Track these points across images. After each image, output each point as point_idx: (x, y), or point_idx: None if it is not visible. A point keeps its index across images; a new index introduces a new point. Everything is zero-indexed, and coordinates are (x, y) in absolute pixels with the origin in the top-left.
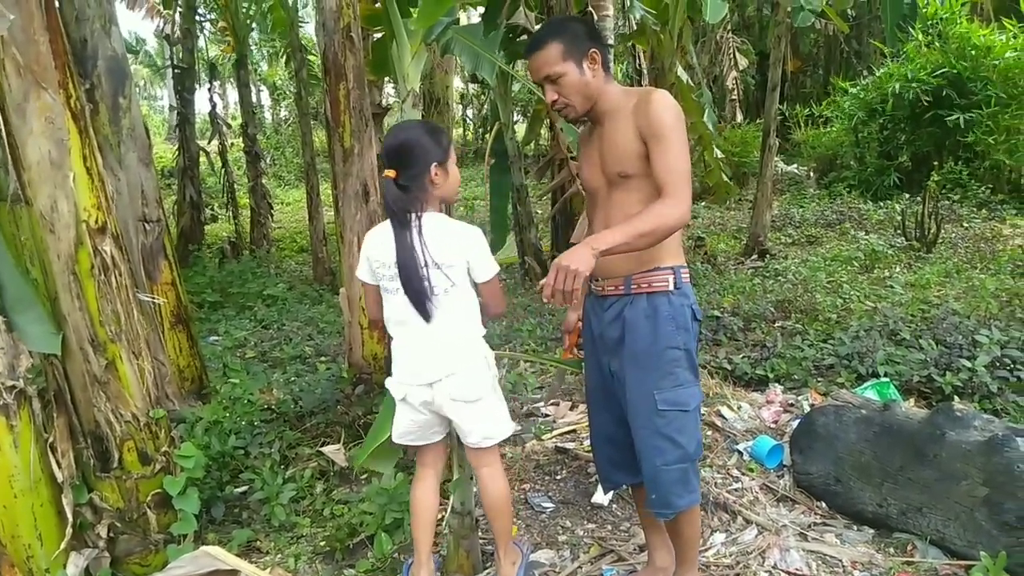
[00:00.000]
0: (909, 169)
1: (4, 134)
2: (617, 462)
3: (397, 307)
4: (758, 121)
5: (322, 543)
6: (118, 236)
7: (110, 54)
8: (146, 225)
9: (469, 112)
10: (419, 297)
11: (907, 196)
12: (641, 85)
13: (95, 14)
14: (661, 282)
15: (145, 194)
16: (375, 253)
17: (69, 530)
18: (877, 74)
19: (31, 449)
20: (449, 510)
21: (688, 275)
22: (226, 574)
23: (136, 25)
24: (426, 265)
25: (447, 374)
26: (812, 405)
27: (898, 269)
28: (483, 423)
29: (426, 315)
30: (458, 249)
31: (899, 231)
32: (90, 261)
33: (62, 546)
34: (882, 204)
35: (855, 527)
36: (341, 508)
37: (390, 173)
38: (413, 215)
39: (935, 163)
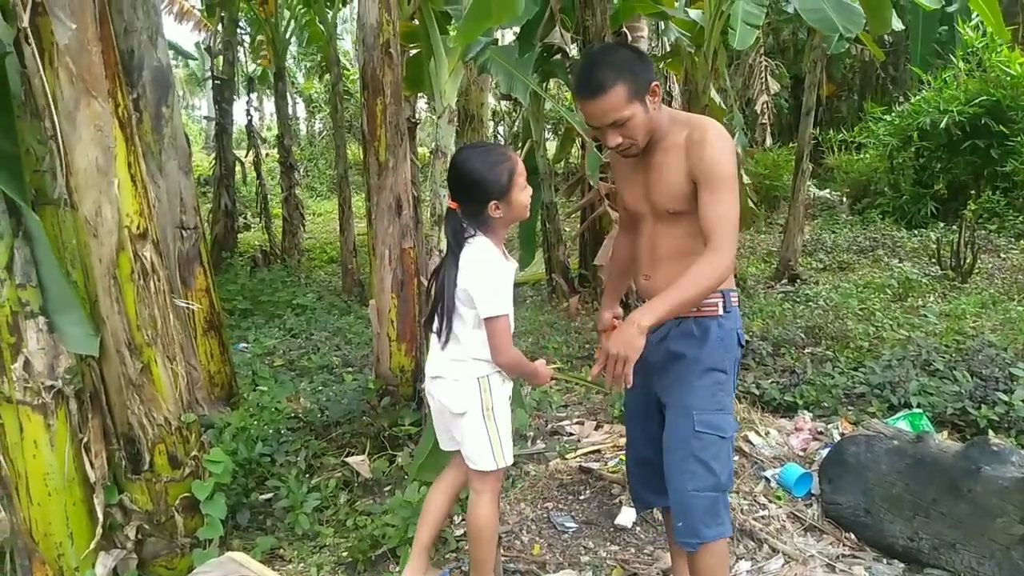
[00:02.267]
0: (945, 197)
1: (55, 140)
2: (651, 483)
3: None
4: (791, 145)
5: (344, 553)
6: (158, 242)
7: (155, 65)
8: (183, 232)
9: (501, 129)
10: (440, 312)
11: (942, 225)
12: (670, 107)
13: (143, 26)
14: (711, 306)
15: (184, 202)
16: None
17: (99, 530)
18: (912, 101)
19: (66, 449)
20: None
21: (737, 299)
22: None
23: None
24: (455, 284)
25: (440, 375)
26: (842, 434)
27: (932, 298)
28: (469, 442)
29: (439, 333)
30: (464, 278)
31: (934, 260)
32: (130, 266)
33: (92, 545)
34: (916, 232)
35: (885, 560)
36: (364, 519)
37: (453, 205)
38: (460, 248)
39: (972, 192)
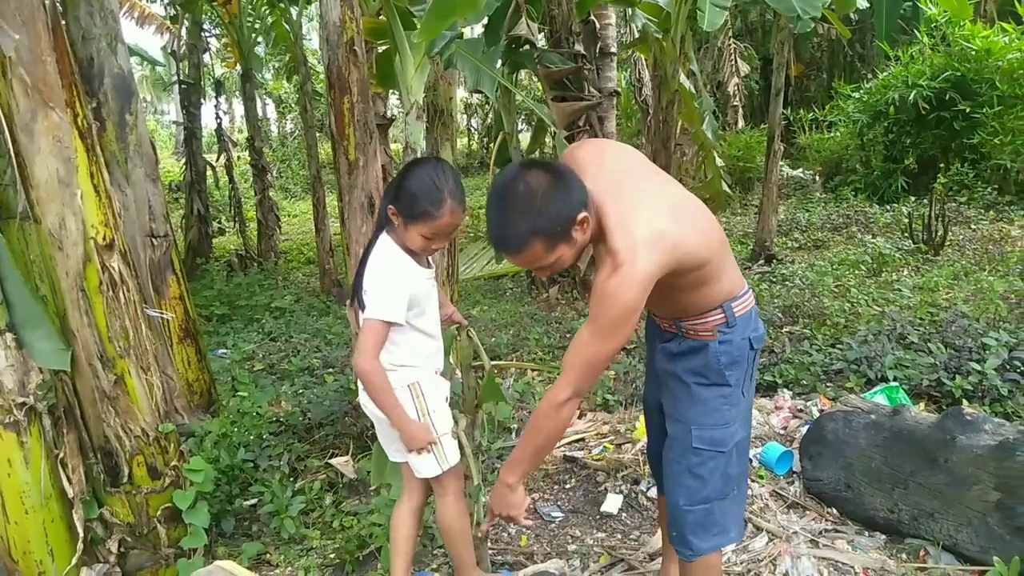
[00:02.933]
0: (915, 172)
1: (12, 153)
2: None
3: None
4: (762, 126)
5: (332, 555)
6: (126, 252)
7: (116, 71)
8: (154, 240)
9: (474, 122)
10: (358, 296)
11: (913, 199)
12: (642, 93)
13: (101, 33)
14: (707, 332)
15: (152, 209)
16: None
17: (80, 545)
18: (880, 77)
19: (41, 465)
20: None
21: (746, 303)
22: None
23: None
24: (362, 286)
25: (361, 385)
26: (821, 411)
27: (906, 272)
28: (410, 452)
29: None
30: (366, 279)
31: (906, 234)
32: (98, 277)
33: (73, 561)
34: (889, 207)
35: (867, 533)
36: (350, 520)
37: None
38: (382, 227)
39: (941, 165)
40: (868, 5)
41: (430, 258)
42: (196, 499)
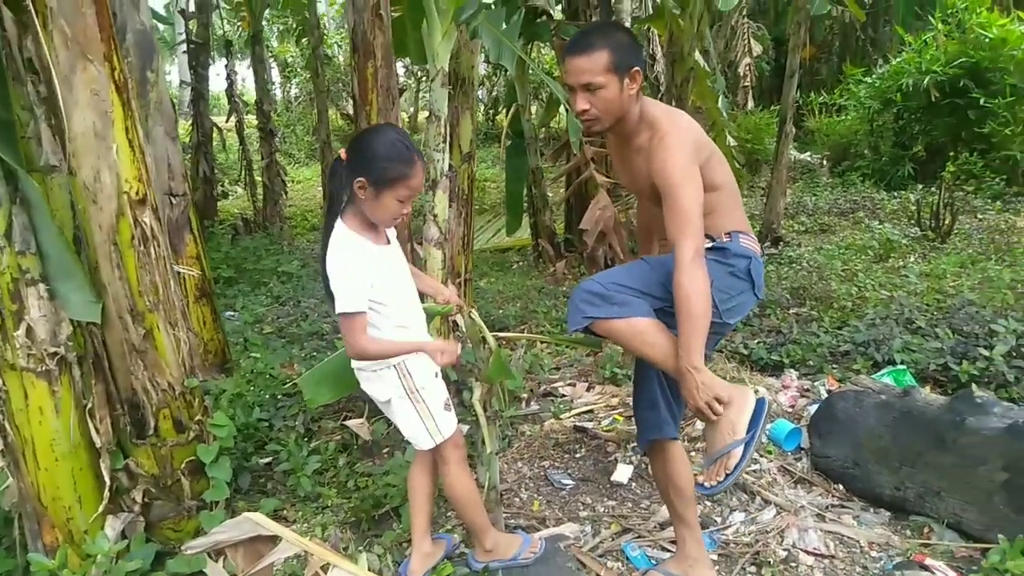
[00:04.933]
0: (924, 159)
1: (54, 105)
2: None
3: None
4: (772, 108)
5: (347, 514)
6: (156, 208)
7: (139, 28)
8: (172, 199)
9: (481, 93)
10: (328, 292)
11: (921, 186)
12: (654, 69)
13: None
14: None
15: (171, 168)
16: None
17: (106, 494)
18: (893, 63)
19: (71, 414)
20: (481, 486)
21: (748, 240)
22: (266, 540)
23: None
24: (323, 261)
25: (359, 367)
26: (829, 391)
27: (913, 259)
28: (402, 426)
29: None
30: (328, 268)
31: (913, 221)
32: (130, 232)
33: (100, 509)
34: (896, 194)
35: (872, 510)
36: (365, 480)
37: (342, 154)
38: (337, 210)
39: (950, 153)
40: None
41: (389, 234)
42: (219, 453)
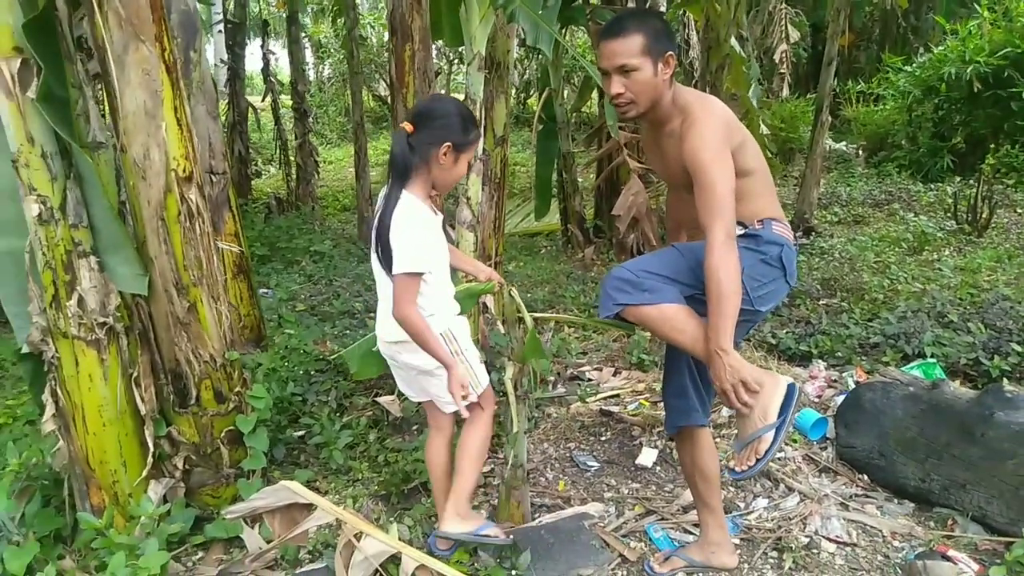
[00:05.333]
0: (963, 151)
1: (109, 83)
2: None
3: (373, 263)
4: (808, 96)
5: (377, 487)
6: (201, 185)
7: (183, 8)
8: (212, 177)
9: (513, 76)
10: (387, 255)
11: (959, 179)
12: (688, 55)
13: None
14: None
15: (212, 147)
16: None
17: (150, 459)
18: (935, 51)
19: (118, 382)
20: (507, 464)
21: (781, 227)
22: (302, 507)
23: None
24: (386, 230)
25: (400, 339)
26: (857, 382)
27: (947, 252)
28: (445, 391)
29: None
30: (393, 237)
31: (950, 214)
32: (177, 208)
33: (143, 474)
34: (933, 186)
35: (896, 500)
36: (395, 455)
37: (407, 126)
38: (404, 180)
39: (991, 146)
40: None
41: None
42: (257, 424)
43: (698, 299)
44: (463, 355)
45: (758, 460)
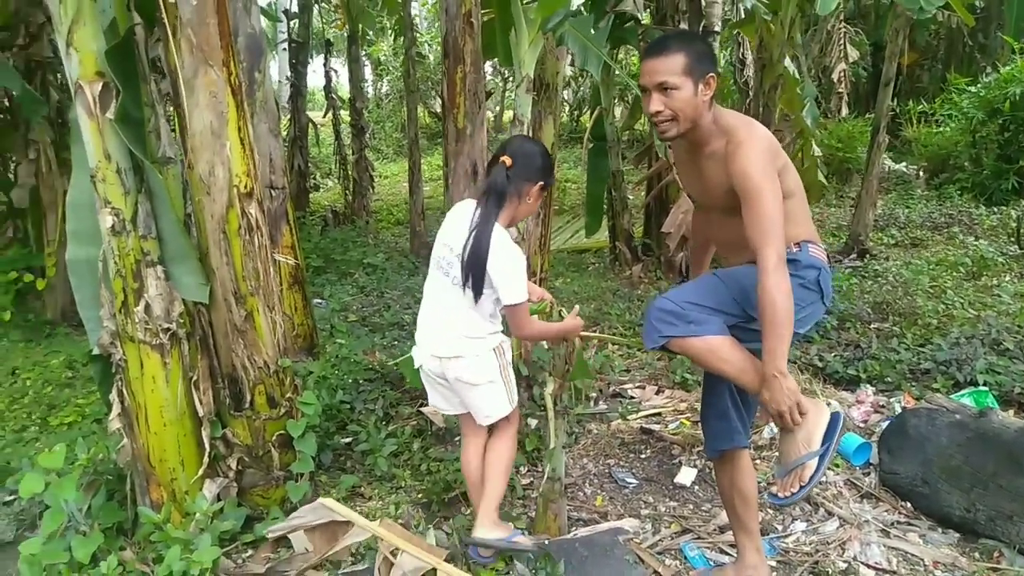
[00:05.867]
0: None
1: (179, 106)
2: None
3: (437, 280)
4: (867, 116)
5: (419, 495)
6: (261, 201)
7: (249, 31)
8: (272, 192)
9: (566, 94)
10: (478, 278)
11: None
12: (743, 75)
13: None
14: None
15: (273, 163)
16: (445, 226)
17: (205, 459)
18: (1003, 71)
19: (179, 385)
20: (545, 477)
21: (818, 251)
22: (340, 524)
23: None
24: (483, 256)
25: (459, 354)
26: (904, 408)
27: (1008, 278)
28: (488, 403)
29: (471, 292)
30: (492, 264)
31: (1013, 239)
32: (238, 222)
33: (199, 473)
34: (996, 209)
35: (940, 529)
36: (437, 465)
37: (508, 160)
38: (499, 210)
39: None
40: None
41: None
42: (306, 429)
43: (742, 327)
44: (508, 369)
45: (802, 487)
